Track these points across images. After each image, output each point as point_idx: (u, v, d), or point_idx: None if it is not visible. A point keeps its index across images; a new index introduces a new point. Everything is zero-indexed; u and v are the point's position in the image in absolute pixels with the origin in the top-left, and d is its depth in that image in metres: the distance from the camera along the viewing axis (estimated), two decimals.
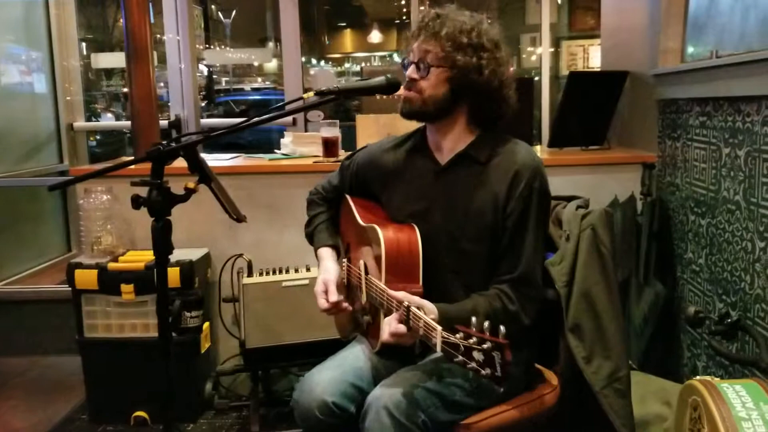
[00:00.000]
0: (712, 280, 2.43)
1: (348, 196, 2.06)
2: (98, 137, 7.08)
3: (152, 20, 5.06)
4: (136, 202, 1.72)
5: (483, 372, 1.32)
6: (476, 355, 1.33)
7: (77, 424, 2.89)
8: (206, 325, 2.90)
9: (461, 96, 1.80)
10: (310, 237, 2.11)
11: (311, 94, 1.71)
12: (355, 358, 1.89)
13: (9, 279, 4.24)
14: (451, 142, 1.87)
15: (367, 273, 1.89)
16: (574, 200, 2.15)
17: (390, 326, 1.61)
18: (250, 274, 2.76)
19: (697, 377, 1.86)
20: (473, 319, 1.38)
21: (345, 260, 2.03)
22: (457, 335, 1.38)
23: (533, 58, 6.24)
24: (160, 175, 1.70)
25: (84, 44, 6.37)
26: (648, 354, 2.72)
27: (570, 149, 3.24)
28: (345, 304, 1.92)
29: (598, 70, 3.62)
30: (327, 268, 1.97)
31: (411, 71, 1.80)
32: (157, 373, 1.70)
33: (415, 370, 1.77)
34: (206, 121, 5.31)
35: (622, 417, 1.95)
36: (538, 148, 3.43)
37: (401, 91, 1.84)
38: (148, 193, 1.69)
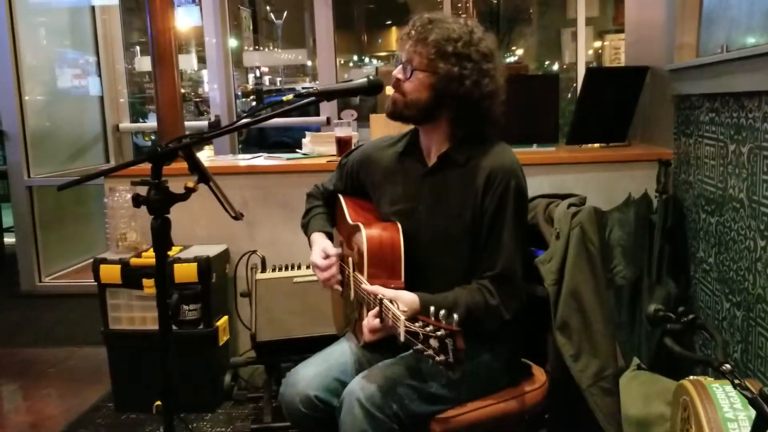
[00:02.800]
0: (721, 279, 2.39)
1: (340, 196, 2.12)
2: (152, 137, 7.32)
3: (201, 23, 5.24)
4: (136, 201, 1.81)
5: (437, 358, 1.37)
6: (432, 342, 1.38)
7: (103, 412, 3.03)
8: (224, 318, 3.01)
9: (443, 103, 1.82)
10: (305, 226, 2.17)
11: (291, 96, 1.77)
12: (340, 353, 1.94)
13: (55, 274, 4.46)
14: (437, 146, 1.90)
15: (354, 270, 1.94)
16: (568, 198, 2.16)
17: (368, 322, 1.67)
18: (263, 270, 2.84)
19: (691, 377, 1.85)
20: (431, 308, 1.42)
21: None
22: (417, 324, 1.43)
23: (574, 52, 6.16)
24: (159, 175, 1.78)
25: (138, 47, 6.60)
26: (659, 354, 2.68)
27: (589, 146, 3.21)
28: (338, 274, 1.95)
29: (616, 66, 3.56)
30: (321, 241, 2.01)
31: (397, 71, 1.84)
32: (178, 364, 1.79)
33: (392, 362, 1.81)
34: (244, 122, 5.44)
35: (608, 415, 1.95)
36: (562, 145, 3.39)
37: (390, 92, 1.89)
38: (147, 192, 1.77)
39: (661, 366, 2.62)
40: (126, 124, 5.10)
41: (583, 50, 4.85)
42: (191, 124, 4.66)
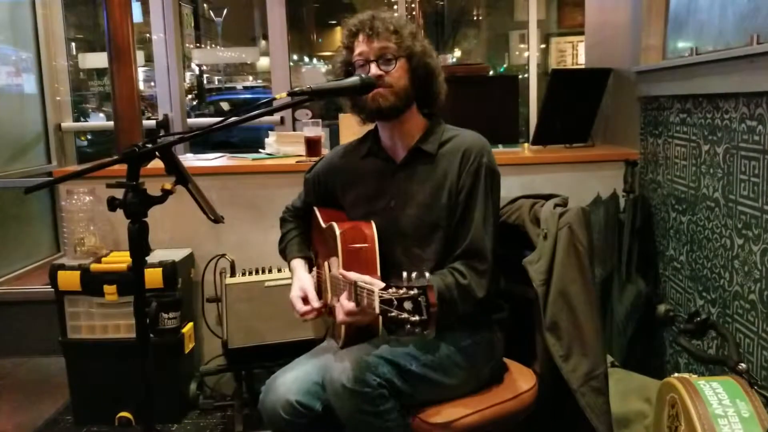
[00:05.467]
0: (693, 277, 2.43)
1: (315, 208, 2.12)
2: (89, 137, 7.04)
3: (142, 19, 5.08)
4: (112, 204, 1.72)
5: (412, 319, 1.39)
6: (407, 304, 1.41)
7: (62, 426, 2.89)
8: (190, 325, 2.90)
9: (416, 83, 1.88)
10: (283, 252, 2.18)
11: (284, 94, 1.71)
12: (318, 357, 1.92)
13: None
14: (405, 139, 1.94)
15: (331, 271, 1.92)
16: (552, 198, 2.16)
17: (342, 306, 1.67)
18: (233, 275, 2.76)
19: (675, 374, 1.87)
20: (404, 274, 1.44)
21: (315, 268, 2.06)
22: (390, 290, 1.45)
23: (522, 54, 6.24)
24: (136, 177, 1.70)
25: (74, 44, 6.34)
26: (631, 351, 2.72)
27: (554, 147, 3.23)
28: (321, 306, 1.95)
29: (581, 67, 3.61)
30: (301, 276, 2.02)
31: (375, 70, 1.84)
32: (142, 373, 1.72)
33: (369, 344, 1.81)
34: (193, 121, 5.31)
35: (599, 415, 1.95)
36: (525, 146, 3.41)
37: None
38: (124, 194, 1.69)
39: (633, 363, 2.67)
40: (69, 124, 4.90)
41: (535, 52, 4.91)
42: None
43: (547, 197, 2.18)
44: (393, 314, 1.42)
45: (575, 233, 1.99)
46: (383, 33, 1.83)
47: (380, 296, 1.46)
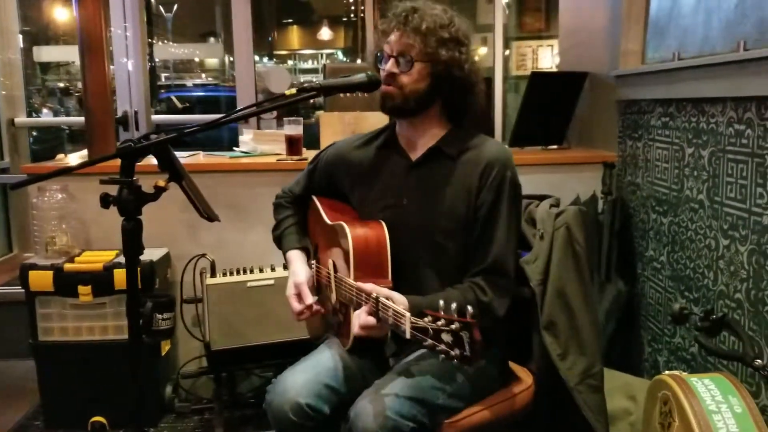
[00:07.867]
0: (674, 277, 2.49)
1: (315, 197, 2.06)
2: (35, 134, 6.83)
3: None
4: (106, 201, 1.67)
5: (452, 353, 1.34)
6: (445, 336, 1.36)
7: (31, 431, 2.78)
8: None
9: (439, 90, 1.80)
10: (278, 241, 2.09)
11: (293, 90, 1.68)
12: (327, 359, 1.87)
13: None
14: (424, 138, 1.88)
15: (336, 271, 1.88)
16: (546, 199, 2.18)
17: (360, 318, 1.62)
18: (213, 275, 2.70)
19: (667, 372, 1.91)
20: (441, 302, 1.40)
21: (314, 261, 2.02)
22: (426, 319, 1.40)
23: (483, 58, 6.29)
24: (131, 173, 1.66)
25: (20, 37, 6.13)
26: (610, 350, 2.77)
27: (530, 149, 3.27)
28: (317, 307, 1.92)
29: (559, 70, 3.66)
30: (296, 270, 1.96)
31: (391, 66, 1.78)
32: (116, 377, 1.66)
33: (393, 380, 1.74)
34: (153, 117, 5.18)
35: (596, 412, 1.98)
36: None
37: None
38: (119, 191, 1.65)
39: (612, 362, 2.71)
40: (22, 119, 4.72)
41: (500, 56, 4.94)
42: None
43: (541, 198, 2.21)
44: (428, 343, 1.38)
45: (573, 233, 2.01)
46: (412, 31, 1.75)
47: (413, 323, 1.42)
